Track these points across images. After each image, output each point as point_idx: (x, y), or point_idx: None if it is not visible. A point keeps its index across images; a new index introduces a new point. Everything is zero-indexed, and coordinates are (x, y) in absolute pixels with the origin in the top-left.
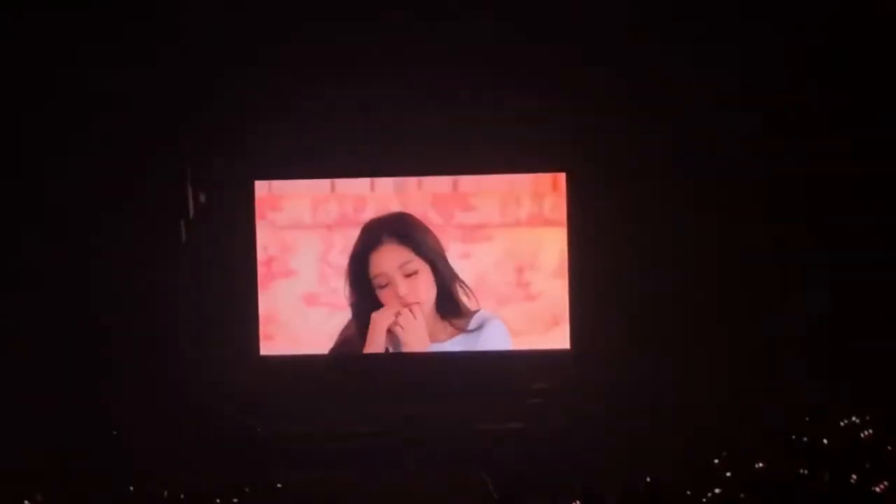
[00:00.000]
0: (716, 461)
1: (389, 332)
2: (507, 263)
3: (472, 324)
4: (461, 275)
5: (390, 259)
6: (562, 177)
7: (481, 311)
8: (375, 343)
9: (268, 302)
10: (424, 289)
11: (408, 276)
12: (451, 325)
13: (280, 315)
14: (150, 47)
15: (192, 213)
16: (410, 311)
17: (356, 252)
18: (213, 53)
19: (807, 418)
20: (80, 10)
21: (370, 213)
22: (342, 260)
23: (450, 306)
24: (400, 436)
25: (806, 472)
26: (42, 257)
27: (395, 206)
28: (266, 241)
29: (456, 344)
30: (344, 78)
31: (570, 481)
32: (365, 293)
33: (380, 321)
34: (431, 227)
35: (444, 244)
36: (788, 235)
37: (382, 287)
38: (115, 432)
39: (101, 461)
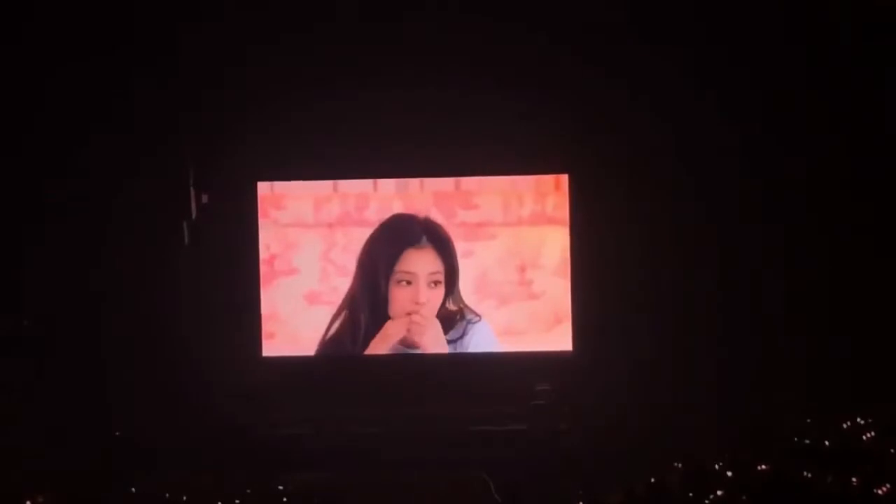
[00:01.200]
0: (718, 463)
1: (404, 338)
2: (509, 262)
3: (454, 334)
4: (464, 277)
5: (424, 263)
6: (564, 177)
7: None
8: (379, 347)
9: (270, 300)
10: (437, 303)
11: (430, 285)
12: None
13: (281, 313)
14: (150, 48)
15: (194, 214)
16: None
17: (390, 243)
18: (213, 54)
19: (808, 420)
20: (81, 10)
21: (373, 212)
22: (344, 258)
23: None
24: (401, 436)
25: (808, 474)
26: (42, 257)
27: (397, 205)
28: (268, 238)
29: None
30: (345, 79)
31: (572, 482)
32: (377, 283)
33: (393, 328)
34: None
35: None
36: (788, 235)
37: (403, 283)
38: (116, 433)
39: (102, 461)
